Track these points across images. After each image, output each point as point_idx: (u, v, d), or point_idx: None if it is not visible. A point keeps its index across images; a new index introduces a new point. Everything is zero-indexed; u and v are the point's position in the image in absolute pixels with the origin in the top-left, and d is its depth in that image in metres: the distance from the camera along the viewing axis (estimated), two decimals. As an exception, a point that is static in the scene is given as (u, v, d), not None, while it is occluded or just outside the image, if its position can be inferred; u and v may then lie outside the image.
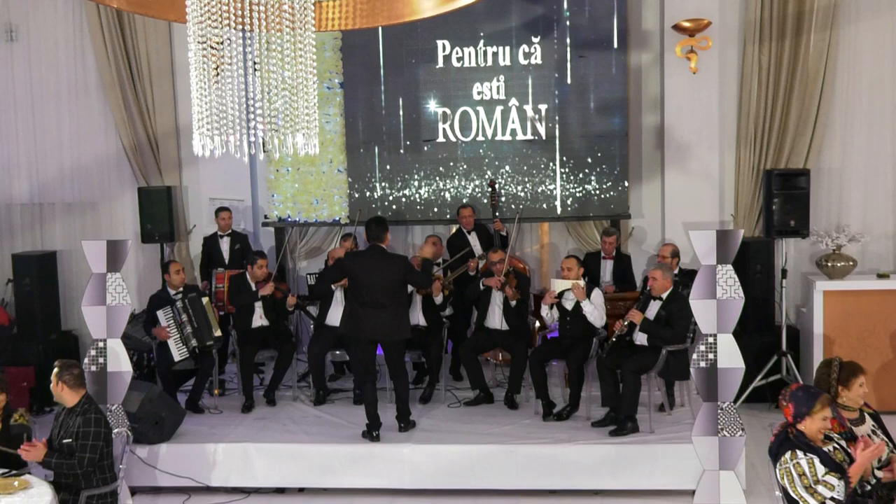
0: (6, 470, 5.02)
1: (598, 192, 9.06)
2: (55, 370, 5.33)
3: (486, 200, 8.81)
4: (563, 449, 6.49)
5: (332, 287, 7.71)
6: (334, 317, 7.72)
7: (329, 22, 3.57)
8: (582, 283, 7.07)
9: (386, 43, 9.14)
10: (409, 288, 7.26)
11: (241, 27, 3.09)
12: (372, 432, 6.66)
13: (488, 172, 9.04)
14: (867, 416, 4.93)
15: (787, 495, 4.55)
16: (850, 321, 7.91)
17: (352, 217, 9.19)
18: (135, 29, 9.32)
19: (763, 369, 8.03)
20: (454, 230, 8.99)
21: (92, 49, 9.49)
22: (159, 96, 9.43)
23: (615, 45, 8.91)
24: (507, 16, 8.97)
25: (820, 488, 4.37)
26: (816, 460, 4.41)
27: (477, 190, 9.12)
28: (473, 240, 8.61)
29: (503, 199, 8.90)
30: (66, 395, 5.30)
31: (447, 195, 9.14)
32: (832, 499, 4.37)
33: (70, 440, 5.17)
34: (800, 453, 4.45)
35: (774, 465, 4.59)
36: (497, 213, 8.49)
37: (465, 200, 9.00)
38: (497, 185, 8.74)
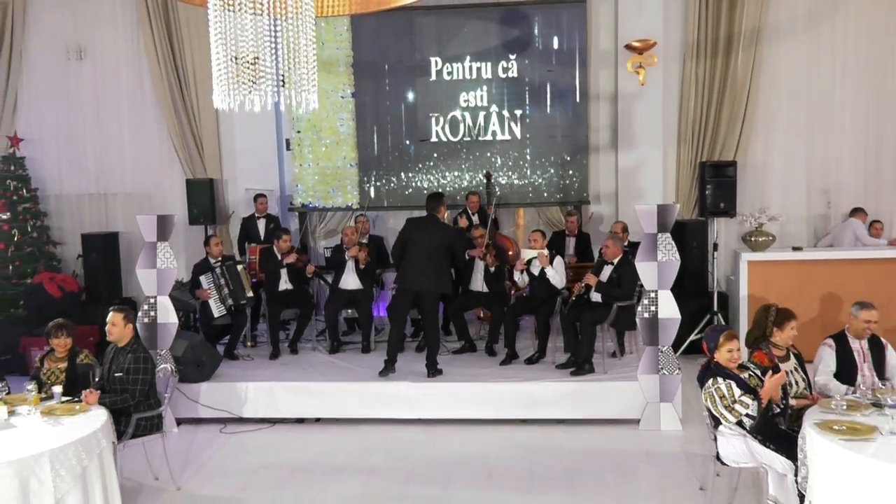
0: (70, 398, 5.01)
1: (562, 182, 9.07)
2: (122, 314, 5.24)
3: (481, 188, 8.76)
4: (533, 386, 6.48)
5: (346, 258, 7.70)
6: (347, 282, 7.73)
7: (329, 9, 3.56)
8: (546, 252, 7.06)
9: (389, 60, 9.14)
10: None
11: (255, 12, 3.05)
12: (387, 368, 6.67)
13: (477, 166, 9.05)
14: (792, 356, 4.91)
15: (712, 415, 4.55)
16: (770, 286, 7.88)
17: (361, 203, 9.20)
18: (182, 47, 9.33)
19: (698, 326, 8.03)
20: (460, 211, 8.78)
21: (147, 65, 9.48)
22: (203, 103, 9.37)
23: (577, 62, 8.91)
24: (488, 37, 8.98)
25: (737, 406, 4.37)
26: (734, 384, 4.41)
27: (465, 180, 9.12)
28: (476, 220, 8.52)
29: (497, 188, 8.85)
30: (128, 334, 5.28)
31: (439, 185, 9.12)
32: (747, 415, 4.37)
33: (122, 374, 5.15)
34: (720, 379, 4.45)
35: (701, 391, 4.59)
36: (492, 200, 8.41)
37: (464, 189, 9.02)
38: (492, 177, 8.66)
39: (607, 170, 9.23)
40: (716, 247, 8.47)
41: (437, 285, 6.82)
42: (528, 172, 9.08)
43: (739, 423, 4.40)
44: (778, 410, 4.59)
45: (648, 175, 8.94)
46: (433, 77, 9.05)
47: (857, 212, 8.63)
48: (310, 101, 3.14)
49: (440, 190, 9.03)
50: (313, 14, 3.07)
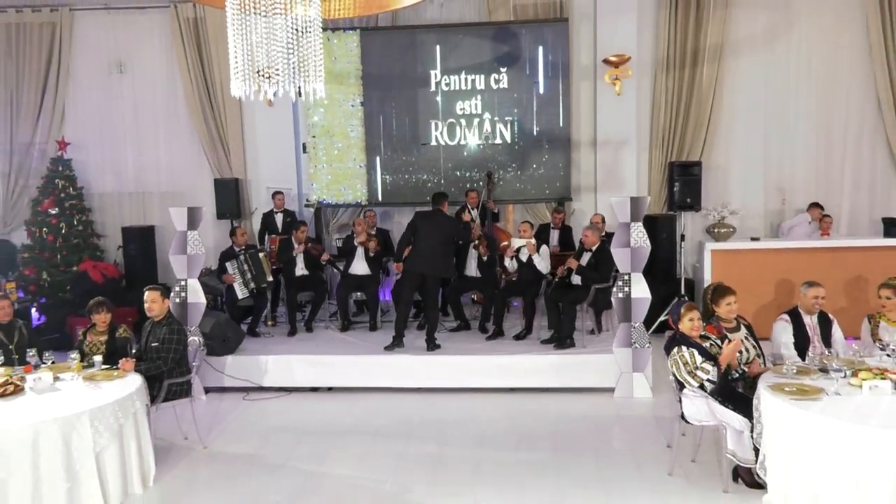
0: (109, 366, 5.01)
1: (548, 181, 9.03)
2: (158, 291, 5.30)
3: (479, 185, 8.69)
4: (520, 359, 6.47)
5: (356, 244, 7.68)
6: (356, 268, 7.70)
7: (336, 11, 3.52)
8: (533, 241, 7.04)
9: (394, 73, 9.08)
10: None
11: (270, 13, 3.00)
12: (394, 343, 6.67)
13: (473, 167, 9.03)
14: (742, 326, 4.88)
15: (677, 380, 4.54)
16: (731, 272, 7.82)
17: (370, 200, 9.17)
18: (211, 62, 9.31)
19: (667, 308, 8.00)
20: (462, 207, 8.64)
21: (179, 78, 9.46)
22: (229, 112, 9.38)
23: (560, 74, 8.86)
24: (482, 52, 8.92)
25: (699, 372, 4.36)
26: (696, 352, 4.40)
27: (463, 179, 9.06)
28: (475, 214, 8.47)
29: (500, 183, 8.83)
30: (165, 309, 5.29)
31: (438, 183, 9.08)
32: (708, 380, 4.36)
33: (157, 344, 5.14)
34: (684, 348, 4.44)
35: (668, 358, 4.58)
36: (491, 196, 8.34)
37: (461, 187, 8.92)
38: (493, 176, 8.56)
39: (587, 170, 9.19)
40: (683, 238, 8.46)
41: (443, 270, 6.84)
42: (519, 173, 9.04)
43: (701, 387, 4.38)
44: (736, 375, 4.59)
45: (624, 175, 8.91)
46: (433, 88, 8.99)
47: (812, 207, 8.62)
48: (318, 90, 3.10)
49: (440, 187, 9.02)
50: (320, 11, 3.04)
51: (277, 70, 3.62)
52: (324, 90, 3.16)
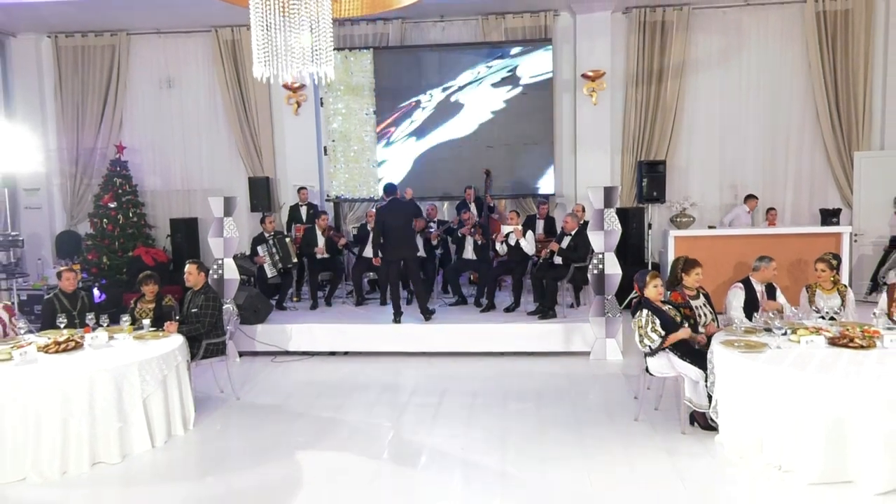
0: (156, 328, 4.99)
1: (535, 179, 8.98)
2: (196, 265, 5.25)
3: (483, 179, 8.64)
4: (510, 327, 6.43)
5: (369, 232, 7.64)
6: (369, 253, 7.64)
7: (345, 11, 3.48)
8: (520, 227, 6.99)
9: (402, 86, 9.05)
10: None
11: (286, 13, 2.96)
12: (396, 317, 6.61)
13: (470, 167, 8.98)
14: (702, 295, 4.84)
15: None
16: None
17: (382, 195, 9.13)
18: (246, 77, 9.28)
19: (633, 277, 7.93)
20: (459, 201, 8.70)
21: (219, 91, 9.45)
22: (262, 121, 9.36)
23: (545, 87, 8.82)
24: (478, 68, 8.87)
25: (645, 339, 4.33)
26: (657, 319, 4.34)
27: (461, 178, 9.00)
28: (473, 207, 8.39)
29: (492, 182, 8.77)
30: (201, 281, 5.26)
31: (440, 181, 9.04)
32: (649, 346, 4.31)
33: (196, 310, 5.12)
34: (646, 311, 4.39)
35: (633, 320, 4.53)
36: (489, 191, 8.28)
37: (459, 184, 8.86)
38: (490, 173, 8.49)
39: (568, 170, 9.15)
40: (650, 226, 8.41)
41: (412, 252, 6.68)
42: (511, 173, 8.99)
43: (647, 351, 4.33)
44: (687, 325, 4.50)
45: (600, 173, 8.86)
46: (437, 99, 8.96)
47: (748, 198, 8.56)
48: (328, 73, 3.07)
49: (439, 184, 9.02)
50: (330, 7, 2.99)
51: (297, 72, 3.58)
52: (333, 73, 3.11)
